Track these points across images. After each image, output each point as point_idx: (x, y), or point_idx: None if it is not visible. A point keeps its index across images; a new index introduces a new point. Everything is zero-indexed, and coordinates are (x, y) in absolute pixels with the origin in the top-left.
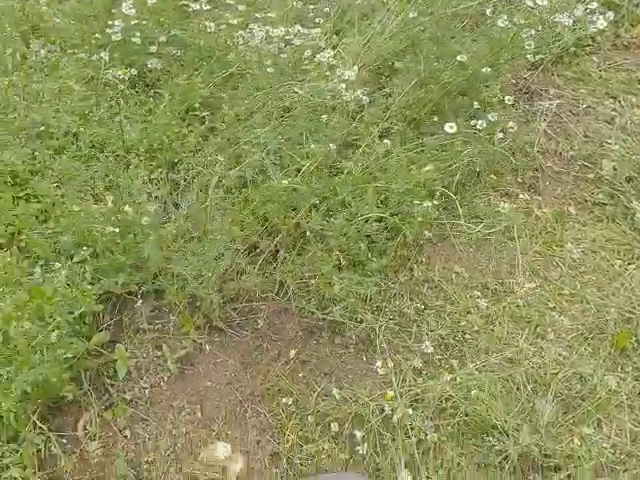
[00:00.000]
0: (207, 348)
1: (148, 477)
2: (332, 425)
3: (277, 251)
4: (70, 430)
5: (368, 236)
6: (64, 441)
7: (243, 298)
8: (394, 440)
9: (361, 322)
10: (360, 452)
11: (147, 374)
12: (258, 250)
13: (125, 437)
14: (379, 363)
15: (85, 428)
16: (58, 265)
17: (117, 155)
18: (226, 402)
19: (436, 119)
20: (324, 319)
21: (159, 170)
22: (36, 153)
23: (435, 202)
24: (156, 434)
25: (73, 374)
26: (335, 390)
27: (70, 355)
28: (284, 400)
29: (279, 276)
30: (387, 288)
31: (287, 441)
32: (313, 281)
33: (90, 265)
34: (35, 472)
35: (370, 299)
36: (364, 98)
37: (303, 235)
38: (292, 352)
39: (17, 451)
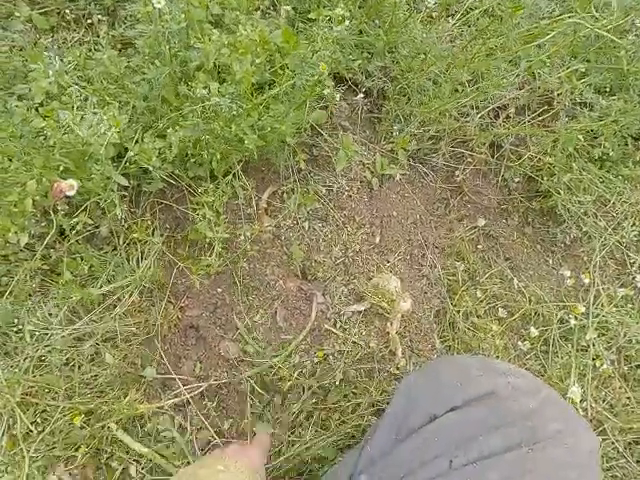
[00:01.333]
0: (398, 177)
1: (314, 274)
2: (500, 310)
3: (505, 106)
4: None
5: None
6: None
7: (453, 140)
8: (568, 354)
9: (575, 225)
10: (522, 348)
11: (346, 177)
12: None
13: (302, 228)
14: (568, 272)
15: (269, 199)
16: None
17: None
18: (407, 239)
19: None
20: (528, 202)
21: None
22: None
23: None
24: (331, 239)
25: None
26: (514, 279)
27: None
28: (458, 264)
29: (499, 135)
30: (618, 201)
31: (455, 305)
32: (548, 159)
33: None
34: (221, 218)
35: (600, 205)
36: None
37: (549, 101)
38: (481, 221)
39: (214, 191)
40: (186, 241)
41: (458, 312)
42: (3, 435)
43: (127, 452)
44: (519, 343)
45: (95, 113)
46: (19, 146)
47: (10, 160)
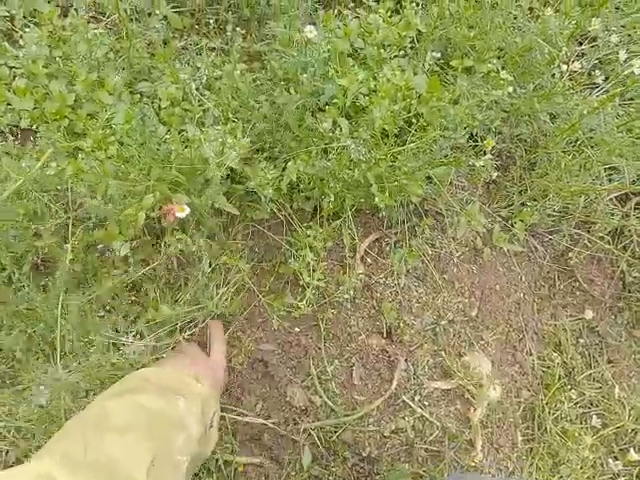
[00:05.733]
0: (505, 249)
1: (399, 336)
2: (594, 418)
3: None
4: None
5: None
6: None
7: (572, 221)
8: None
9: None
10: (612, 468)
11: (456, 240)
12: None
13: (397, 284)
14: None
15: (369, 248)
16: None
17: None
18: (506, 319)
19: None
20: None
21: None
22: None
23: None
24: (425, 302)
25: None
26: (616, 386)
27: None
28: (555, 355)
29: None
30: None
31: (547, 402)
32: None
33: None
34: (320, 264)
35: None
36: None
37: None
38: (589, 313)
39: (319, 233)
40: (273, 273)
41: (549, 412)
42: None
43: None
44: (610, 460)
45: (217, 130)
46: (143, 155)
47: (129, 164)
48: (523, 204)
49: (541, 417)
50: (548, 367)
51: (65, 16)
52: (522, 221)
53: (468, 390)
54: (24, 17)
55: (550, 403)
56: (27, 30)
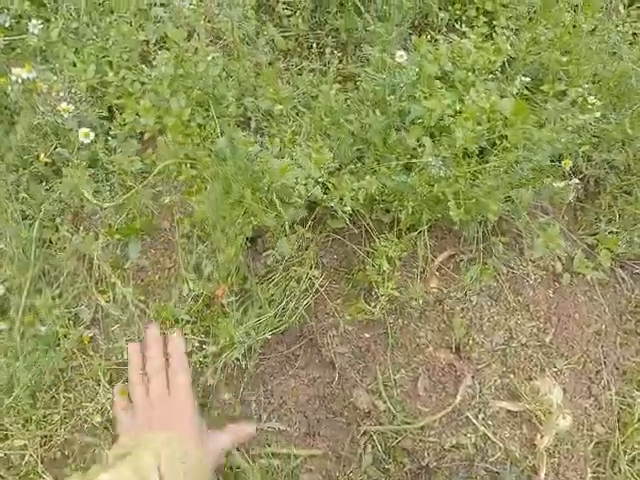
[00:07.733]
0: (589, 277)
1: (468, 353)
2: None
3: None
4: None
5: None
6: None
7: None
8: None
9: None
10: None
11: (534, 263)
12: None
13: (469, 301)
14: None
15: (443, 263)
16: None
17: None
18: (583, 349)
19: None
20: None
21: None
22: None
23: None
24: (497, 322)
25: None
26: None
27: None
28: (637, 394)
29: None
30: None
31: (623, 442)
32: None
33: None
34: (395, 274)
35: None
36: None
37: None
38: None
39: (396, 244)
40: (350, 280)
41: (624, 452)
42: None
43: None
44: None
45: (309, 145)
46: (244, 178)
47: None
48: (611, 232)
49: (615, 455)
50: (628, 405)
51: (188, 40)
52: (608, 249)
53: (536, 415)
54: (156, 42)
55: (627, 442)
56: (159, 53)
